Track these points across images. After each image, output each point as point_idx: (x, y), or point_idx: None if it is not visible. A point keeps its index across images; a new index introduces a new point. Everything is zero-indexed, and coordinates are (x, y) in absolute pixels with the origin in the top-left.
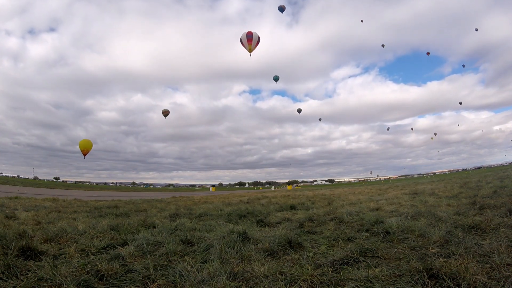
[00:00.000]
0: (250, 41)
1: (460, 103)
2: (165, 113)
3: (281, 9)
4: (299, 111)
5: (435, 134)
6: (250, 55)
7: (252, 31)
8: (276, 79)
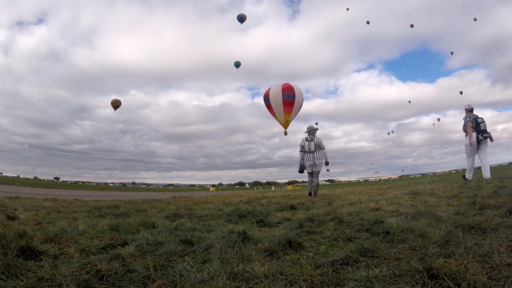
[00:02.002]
0: (290, 106)
1: (461, 92)
2: (115, 103)
3: (241, 18)
4: None
5: (438, 119)
6: (286, 133)
7: (291, 84)
8: (237, 65)
